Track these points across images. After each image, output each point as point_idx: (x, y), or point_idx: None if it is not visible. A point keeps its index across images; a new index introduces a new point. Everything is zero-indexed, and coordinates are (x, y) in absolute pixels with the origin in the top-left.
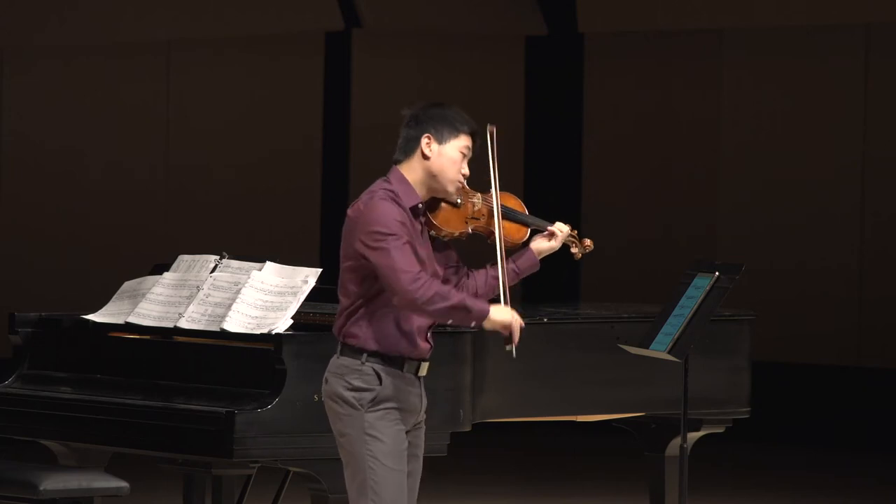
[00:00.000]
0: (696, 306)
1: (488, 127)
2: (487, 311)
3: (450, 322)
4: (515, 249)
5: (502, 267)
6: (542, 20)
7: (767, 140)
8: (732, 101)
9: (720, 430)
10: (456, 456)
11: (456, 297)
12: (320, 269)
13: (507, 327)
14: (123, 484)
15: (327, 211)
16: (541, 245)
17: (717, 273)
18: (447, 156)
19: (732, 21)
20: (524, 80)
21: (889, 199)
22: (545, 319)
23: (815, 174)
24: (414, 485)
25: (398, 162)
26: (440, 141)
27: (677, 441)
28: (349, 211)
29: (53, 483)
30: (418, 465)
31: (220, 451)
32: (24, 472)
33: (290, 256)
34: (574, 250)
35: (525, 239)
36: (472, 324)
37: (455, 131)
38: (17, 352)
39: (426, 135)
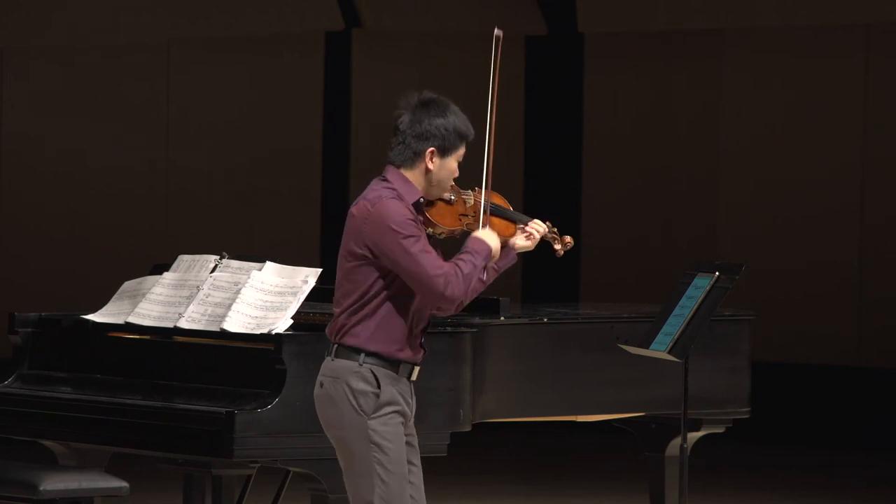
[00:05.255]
0: (696, 306)
1: (495, 32)
2: (489, 249)
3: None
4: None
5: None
6: (542, 20)
7: (767, 140)
8: (732, 101)
9: (720, 430)
10: (456, 456)
11: (470, 267)
12: (320, 269)
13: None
14: (123, 484)
15: (327, 211)
16: (518, 242)
17: (717, 273)
18: (448, 168)
19: (732, 21)
20: (524, 80)
21: (889, 199)
22: (545, 319)
23: (815, 174)
24: (418, 481)
25: (395, 164)
26: (443, 155)
27: (677, 441)
28: (354, 210)
29: (53, 483)
30: (417, 468)
31: (220, 451)
32: (24, 472)
33: (290, 256)
34: (557, 247)
35: (513, 235)
36: (494, 264)
37: (458, 144)
38: (17, 352)
39: (430, 149)
